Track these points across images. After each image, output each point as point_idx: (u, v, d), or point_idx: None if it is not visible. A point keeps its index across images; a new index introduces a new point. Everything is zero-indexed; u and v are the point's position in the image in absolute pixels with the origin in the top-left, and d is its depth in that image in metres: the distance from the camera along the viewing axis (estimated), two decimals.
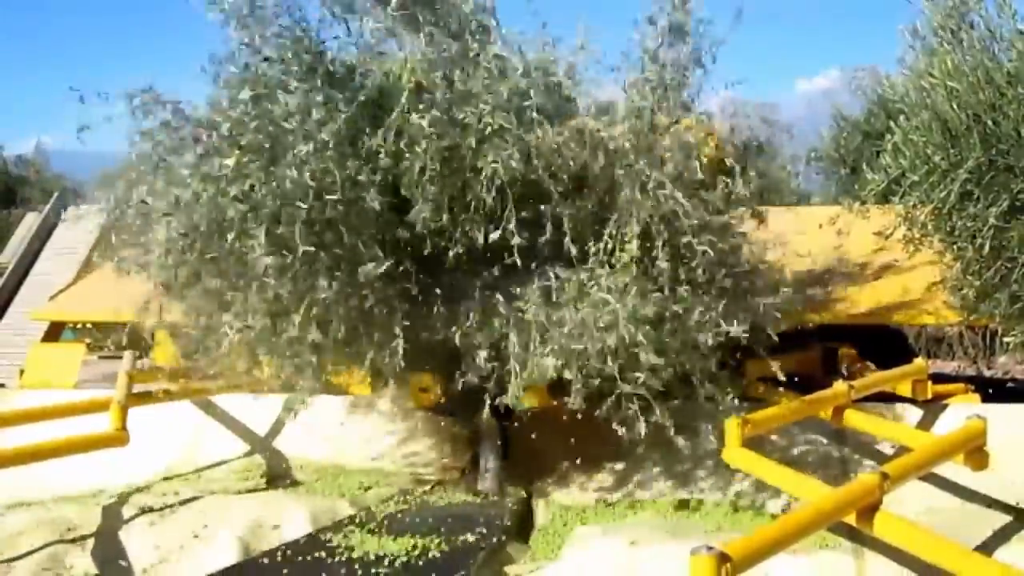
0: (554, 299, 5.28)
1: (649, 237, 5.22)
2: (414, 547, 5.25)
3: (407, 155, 5.19)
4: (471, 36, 5.54)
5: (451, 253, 5.32)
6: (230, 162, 5.11)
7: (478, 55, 5.42)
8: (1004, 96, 5.30)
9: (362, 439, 6.93)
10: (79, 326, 10.92)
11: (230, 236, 5.15)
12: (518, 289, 5.34)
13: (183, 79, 5.55)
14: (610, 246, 5.29)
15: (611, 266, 5.27)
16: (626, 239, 5.22)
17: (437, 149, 5.14)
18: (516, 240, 5.19)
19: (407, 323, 5.42)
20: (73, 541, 5.66)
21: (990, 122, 5.30)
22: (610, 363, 5.10)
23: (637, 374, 5.15)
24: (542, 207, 5.36)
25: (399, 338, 5.36)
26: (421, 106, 5.20)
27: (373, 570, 5.00)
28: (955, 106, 5.37)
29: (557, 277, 5.31)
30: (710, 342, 5.25)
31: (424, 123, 5.11)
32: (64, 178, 21.60)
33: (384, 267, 5.18)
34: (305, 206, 5.00)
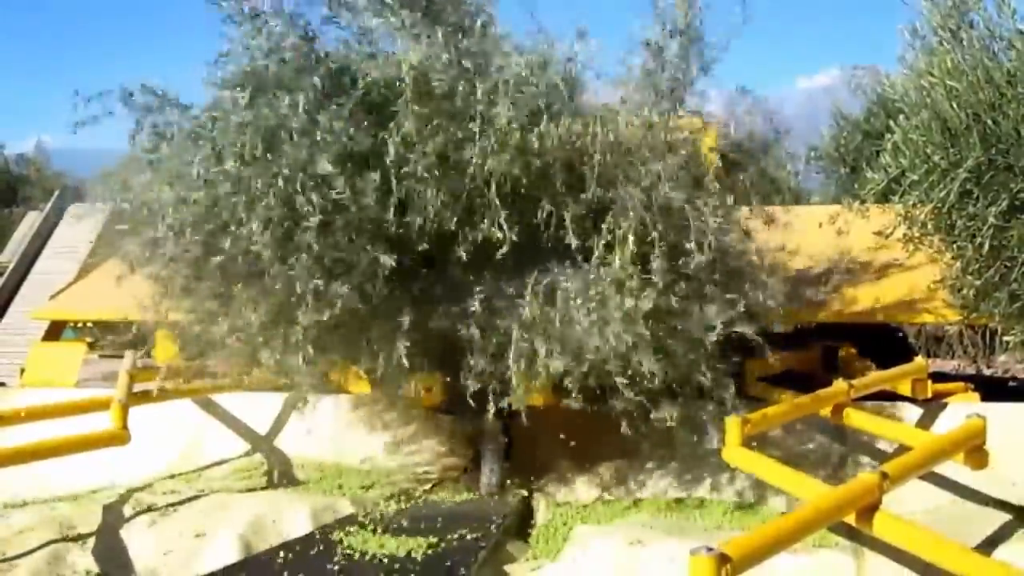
0: (555, 297, 5.29)
1: (647, 234, 5.22)
2: (415, 546, 5.26)
3: (407, 154, 5.19)
4: (471, 35, 5.54)
5: (453, 252, 5.32)
6: (230, 163, 5.12)
7: (478, 54, 5.43)
8: (1004, 95, 5.30)
9: (363, 438, 6.94)
10: (80, 325, 10.94)
11: (229, 235, 5.16)
12: (520, 288, 5.34)
13: (184, 78, 5.56)
14: (608, 243, 5.30)
15: (609, 264, 5.27)
16: (623, 236, 5.22)
17: (437, 148, 5.14)
18: (516, 238, 5.20)
19: (409, 322, 5.42)
20: (74, 540, 5.66)
21: (990, 121, 5.31)
22: (610, 361, 5.11)
23: (637, 372, 5.16)
24: (542, 205, 5.37)
25: (401, 337, 5.36)
26: (421, 106, 5.20)
27: (374, 569, 5.01)
28: (955, 105, 5.38)
29: (558, 276, 5.32)
30: (709, 339, 5.25)
31: (424, 123, 5.12)
32: (65, 177, 21.61)
33: (382, 265, 5.18)
34: (305, 206, 5.01)
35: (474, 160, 5.17)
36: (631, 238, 5.17)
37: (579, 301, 5.18)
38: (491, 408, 5.47)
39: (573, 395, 5.26)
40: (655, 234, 5.19)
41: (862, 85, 12.22)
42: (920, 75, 5.66)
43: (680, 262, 5.29)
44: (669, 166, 5.30)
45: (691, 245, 5.19)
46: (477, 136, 5.16)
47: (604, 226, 5.30)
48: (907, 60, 5.91)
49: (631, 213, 5.19)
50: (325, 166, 5.02)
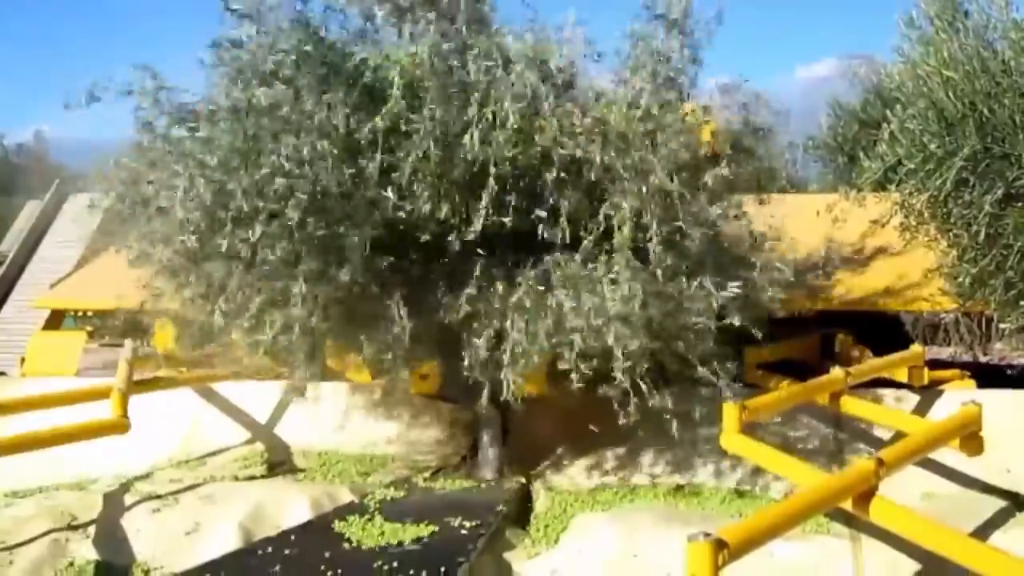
0: (553, 284, 5.30)
1: (643, 221, 5.24)
2: (414, 533, 5.29)
3: (404, 143, 5.20)
4: (469, 25, 5.55)
5: (449, 240, 5.33)
6: (223, 154, 5.13)
7: (475, 44, 5.44)
8: (999, 85, 5.32)
9: (362, 426, 6.97)
10: (80, 314, 10.97)
11: (227, 223, 5.16)
12: (516, 275, 5.36)
13: (183, 67, 5.56)
14: (603, 230, 5.31)
15: (606, 251, 5.29)
16: (620, 224, 5.24)
17: (433, 137, 5.15)
18: (512, 227, 5.22)
19: (406, 310, 5.43)
20: (75, 528, 5.69)
21: (985, 110, 5.33)
22: (607, 347, 5.12)
23: (634, 359, 5.17)
24: (539, 194, 5.38)
25: (398, 325, 5.37)
26: (418, 95, 5.21)
27: (373, 556, 5.03)
28: (951, 95, 5.40)
29: (555, 263, 5.34)
30: (707, 324, 5.27)
31: (420, 113, 5.13)
32: (64, 167, 21.61)
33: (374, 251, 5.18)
34: (302, 194, 5.02)
35: (472, 146, 5.18)
36: (627, 223, 5.19)
37: (575, 288, 5.20)
38: (484, 395, 5.50)
39: (571, 381, 5.26)
40: (651, 219, 5.20)
41: (859, 75, 12.22)
42: (916, 65, 5.68)
43: (677, 247, 5.30)
44: (666, 152, 5.30)
45: (687, 228, 5.20)
46: (475, 123, 5.17)
47: (601, 211, 5.32)
48: (904, 50, 5.94)
49: (628, 197, 5.20)
50: (321, 154, 5.02)
